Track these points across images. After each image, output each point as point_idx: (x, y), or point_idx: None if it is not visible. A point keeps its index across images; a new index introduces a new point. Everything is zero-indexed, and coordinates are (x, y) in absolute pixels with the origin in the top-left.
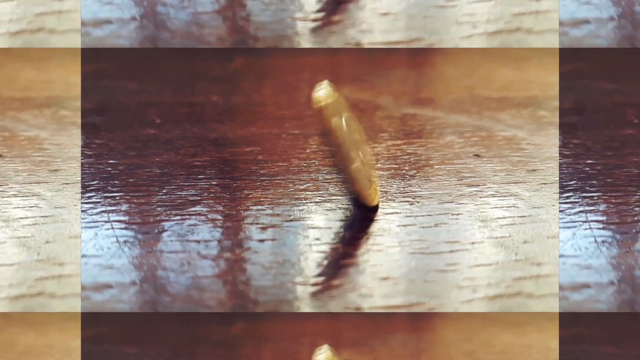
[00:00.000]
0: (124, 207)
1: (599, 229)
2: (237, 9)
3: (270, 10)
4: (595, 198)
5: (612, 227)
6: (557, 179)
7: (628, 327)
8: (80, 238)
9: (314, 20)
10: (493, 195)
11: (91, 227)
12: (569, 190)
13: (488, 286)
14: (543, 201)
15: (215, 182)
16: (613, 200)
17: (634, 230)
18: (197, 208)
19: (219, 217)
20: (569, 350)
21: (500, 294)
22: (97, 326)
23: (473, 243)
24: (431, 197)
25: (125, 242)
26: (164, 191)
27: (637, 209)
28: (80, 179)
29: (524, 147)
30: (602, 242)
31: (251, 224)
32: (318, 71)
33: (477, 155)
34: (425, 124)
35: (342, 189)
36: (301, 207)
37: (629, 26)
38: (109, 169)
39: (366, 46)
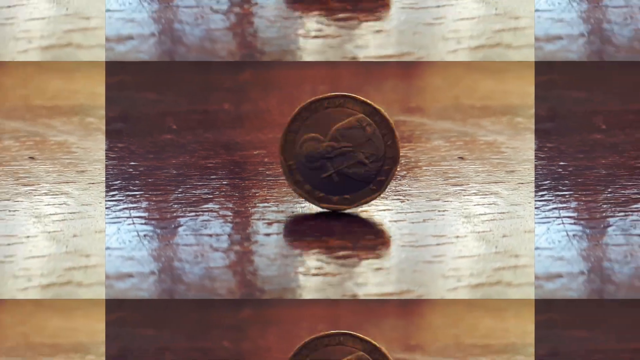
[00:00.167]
0: (144, 204)
1: (571, 224)
2: (245, 26)
3: (276, 27)
4: (567, 196)
5: (582, 222)
6: (533, 179)
7: (597, 313)
8: (104, 232)
9: (315, 36)
10: (475, 194)
11: (114, 223)
12: (543, 189)
13: (471, 276)
14: (520, 199)
15: (225, 182)
16: (583, 198)
17: (602, 226)
18: (210, 205)
19: (229, 214)
20: (544, 334)
21: (481, 283)
22: (119, 311)
23: (457, 237)
24: (420, 196)
25: (145, 236)
26: (180, 190)
27: (605, 206)
28: (104, 179)
29: (504, 150)
30: (574, 236)
31: (258, 219)
32: (318, 82)
33: (461, 158)
34: (415, 129)
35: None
36: (303, 205)
37: (598, 42)
38: (130, 170)
39: (362, 60)
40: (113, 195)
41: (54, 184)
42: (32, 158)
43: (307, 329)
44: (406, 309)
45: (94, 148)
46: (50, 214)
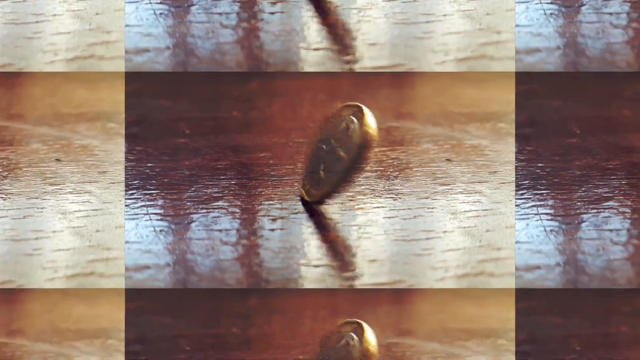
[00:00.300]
0: (160, 202)
1: (548, 220)
2: (252, 39)
3: (280, 41)
4: (545, 195)
5: (558, 218)
6: (514, 179)
7: (571, 301)
8: (124, 228)
9: (315, 49)
10: (461, 193)
11: (133, 219)
12: (523, 189)
13: (457, 267)
14: (502, 197)
15: (234, 182)
16: (559, 197)
17: (576, 222)
18: (220, 203)
19: (237, 211)
20: (523, 320)
21: (466, 274)
22: (138, 300)
23: (445, 232)
24: (411, 194)
25: (160, 231)
26: (192, 189)
27: (579, 204)
28: (124, 179)
29: (487, 153)
30: (551, 231)
31: (263, 216)
32: (319, 91)
33: (449, 160)
34: (406, 134)
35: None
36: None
37: (572, 54)
38: (148, 171)
39: (358, 70)
40: (132, 194)
41: (78, 183)
42: (58, 160)
43: (309, 317)
44: (398, 298)
45: (115, 151)
46: (75, 211)
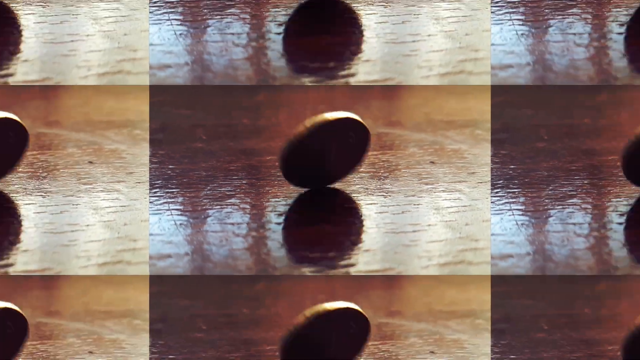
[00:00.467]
0: (180, 199)
1: (519, 215)
2: (261, 57)
3: (284, 59)
4: (516, 193)
5: (528, 214)
6: (489, 179)
7: (540, 286)
8: (148, 221)
9: (316, 65)
10: (444, 191)
11: (156, 214)
12: (497, 187)
13: (440, 256)
14: (479, 195)
15: (245, 182)
16: (529, 195)
17: (544, 216)
18: (232, 200)
19: (248, 207)
20: (498, 302)
21: (448, 262)
22: (160, 285)
23: (429, 225)
24: (399, 192)
25: (180, 224)
26: (208, 188)
27: (546, 200)
28: (148, 179)
29: (466, 156)
30: (522, 224)
31: (270, 211)
32: (319, 102)
33: (432, 162)
34: (395, 139)
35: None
36: (305, 200)
37: (541, 69)
38: (169, 172)
39: (353, 84)
40: (155, 192)
41: (108, 183)
42: (91, 162)
43: (310, 299)
44: (388, 283)
45: (140, 154)
46: (105, 207)
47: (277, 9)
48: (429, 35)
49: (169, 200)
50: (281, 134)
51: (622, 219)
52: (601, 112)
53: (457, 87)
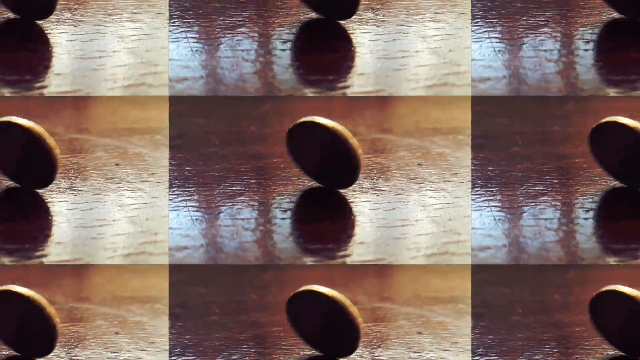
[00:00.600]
0: (196, 197)
1: (497, 211)
2: (267, 71)
3: (288, 72)
4: (494, 191)
5: (504, 210)
6: (470, 179)
7: (515, 275)
8: (168, 217)
9: (316, 78)
10: (429, 190)
11: (175, 210)
12: (477, 187)
13: (426, 248)
14: (461, 193)
15: (253, 182)
16: (505, 193)
17: (518, 212)
18: (242, 198)
19: (256, 204)
20: (478, 289)
21: (434, 253)
22: (178, 274)
23: (417, 220)
24: (390, 191)
25: (196, 219)
26: (221, 187)
27: (520, 198)
28: (168, 179)
29: (449, 159)
30: (498, 219)
31: (276, 208)
32: (319, 111)
33: (420, 164)
34: (387, 144)
35: None
36: (307, 197)
37: (515, 82)
38: (186, 173)
39: (349, 95)
40: (174, 191)
41: (132, 182)
42: (117, 164)
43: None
44: (381, 272)
45: (161, 157)
46: (130, 204)
47: (282, 28)
48: (417, 52)
49: (186, 198)
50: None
51: (588, 215)
52: (569, 120)
53: (441, 98)
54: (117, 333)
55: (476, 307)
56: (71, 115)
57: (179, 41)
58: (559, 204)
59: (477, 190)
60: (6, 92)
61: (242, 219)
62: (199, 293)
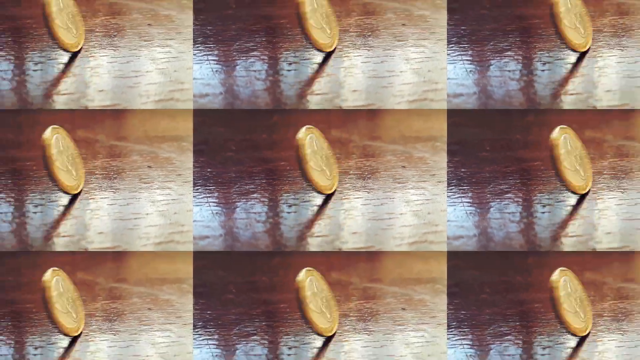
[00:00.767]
0: (215, 194)
1: (468, 206)
2: (275, 88)
3: (293, 89)
4: (466, 190)
5: (474, 205)
6: (446, 179)
7: (483, 260)
8: (192, 211)
9: (317, 94)
10: (412, 188)
11: (198, 205)
12: (452, 186)
13: (409, 237)
14: (438, 191)
15: (264, 181)
16: (475, 191)
17: (486, 207)
18: (254, 195)
19: (266, 200)
20: (452, 272)
21: (415, 241)
22: (201, 259)
23: (401, 214)
24: (379, 189)
25: (216, 213)
26: (237, 186)
27: (488, 195)
28: (192, 179)
29: (429, 162)
30: (470, 213)
31: (283, 203)
32: (319, 122)
33: (404, 167)
34: (376, 150)
35: None
36: (309, 196)
37: (484, 97)
38: (208, 174)
39: (344, 108)
40: (197, 189)
41: (162, 182)
42: (149, 167)
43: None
44: (371, 258)
45: (186, 161)
46: (160, 200)
47: (288, 52)
48: (401, 72)
49: (208, 195)
50: (291, 146)
51: (545, 209)
52: (529, 129)
53: (422, 111)
54: (149, 309)
55: (451, 287)
56: (111, 125)
57: (201, 63)
58: (520, 200)
59: (451, 189)
60: (58, 106)
61: (255, 213)
62: (219, 275)
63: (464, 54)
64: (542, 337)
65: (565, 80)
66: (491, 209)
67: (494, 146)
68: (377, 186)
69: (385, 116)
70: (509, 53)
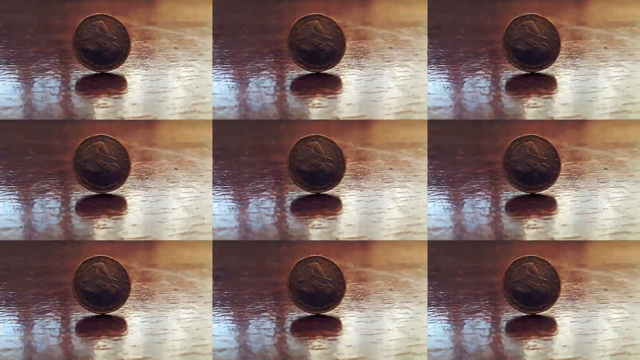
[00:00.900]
0: (231, 192)
1: (445, 202)
2: (282, 102)
3: (298, 102)
4: (443, 188)
5: (451, 201)
6: (427, 179)
7: (459, 248)
8: (212, 206)
9: (317, 106)
10: (398, 187)
11: (217, 202)
12: (432, 185)
13: (395, 229)
14: (420, 190)
15: (273, 181)
16: (451, 190)
17: (461, 203)
18: (265, 193)
19: (275, 197)
20: (432, 258)
21: (401, 232)
22: (220, 247)
23: (389, 208)
24: (370, 188)
25: (232, 208)
26: (249, 185)
27: (463, 193)
28: (212, 179)
29: (412, 164)
30: (447, 208)
31: (289, 200)
32: (320, 131)
33: (391, 169)
34: (367, 154)
35: None
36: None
37: (459, 110)
38: (225, 175)
39: (341, 119)
40: (216, 188)
41: (186, 182)
42: (176, 169)
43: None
44: (363, 246)
45: (207, 164)
46: (185, 197)
47: (293, 71)
48: (389, 88)
49: (225, 193)
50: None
51: (510, 205)
52: (497, 137)
53: (406, 121)
54: (175, 290)
55: (431, 271)
56: (144, 134)
57: (219, 80)
58: (489, 197)
59: (431, 188)
60: (98, 117)
61: (265, 208)
62: (234, 261)
63: (441, 73)
64: (507, 313)
65: (527, 95)
66: (465, 205)
67: (467, 151)
68: (369, 185)
69: (375, 126)
70: (480, 72)
